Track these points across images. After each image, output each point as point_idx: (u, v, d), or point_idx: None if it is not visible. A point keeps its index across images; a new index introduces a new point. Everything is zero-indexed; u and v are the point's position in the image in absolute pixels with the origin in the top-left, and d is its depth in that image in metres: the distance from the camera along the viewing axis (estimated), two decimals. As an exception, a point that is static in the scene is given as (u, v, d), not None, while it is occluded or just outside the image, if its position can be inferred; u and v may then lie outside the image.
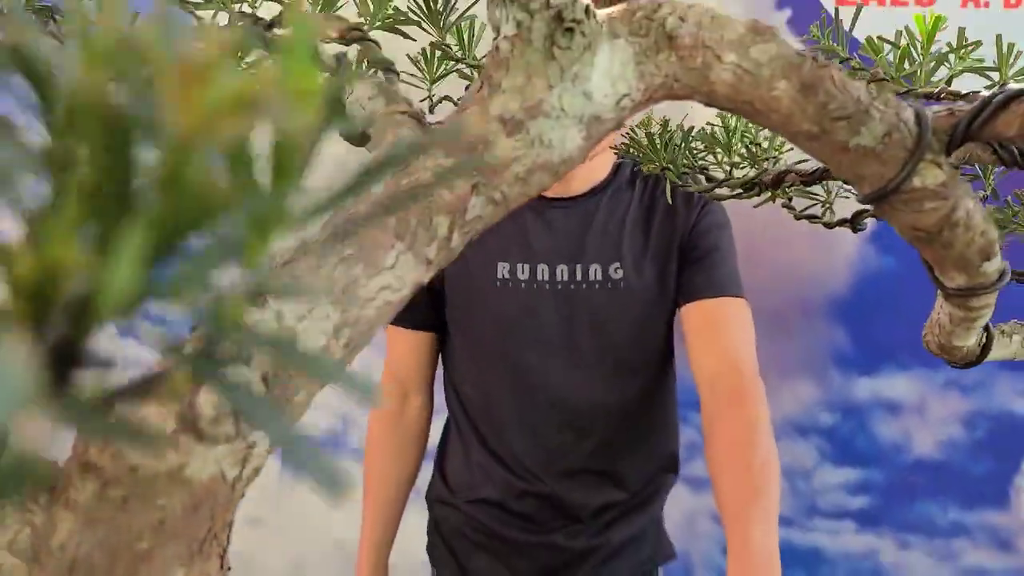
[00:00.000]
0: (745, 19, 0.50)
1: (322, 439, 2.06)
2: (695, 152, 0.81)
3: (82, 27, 0.13)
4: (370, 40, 0.58)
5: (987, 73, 0.74)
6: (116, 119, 0.12)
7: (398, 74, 0.60)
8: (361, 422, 1.50)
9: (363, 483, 1.46)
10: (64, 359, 0.14)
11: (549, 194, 1.28)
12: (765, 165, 0.78)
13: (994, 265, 0.54)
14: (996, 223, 0.73)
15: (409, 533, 1.48)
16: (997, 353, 0.69)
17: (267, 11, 0.65)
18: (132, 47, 0.13)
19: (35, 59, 0.13)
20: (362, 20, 0.68)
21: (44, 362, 0.13)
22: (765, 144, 0.77)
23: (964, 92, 0.68)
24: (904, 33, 0.73)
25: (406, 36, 0.71)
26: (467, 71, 0.76)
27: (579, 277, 1.29)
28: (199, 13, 0.61)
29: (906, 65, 0.74)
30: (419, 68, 0.77)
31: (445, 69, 0.75)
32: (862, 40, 1.75)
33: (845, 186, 0.72)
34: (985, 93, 0.63)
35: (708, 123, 0.79)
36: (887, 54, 0.72)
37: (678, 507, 1.94)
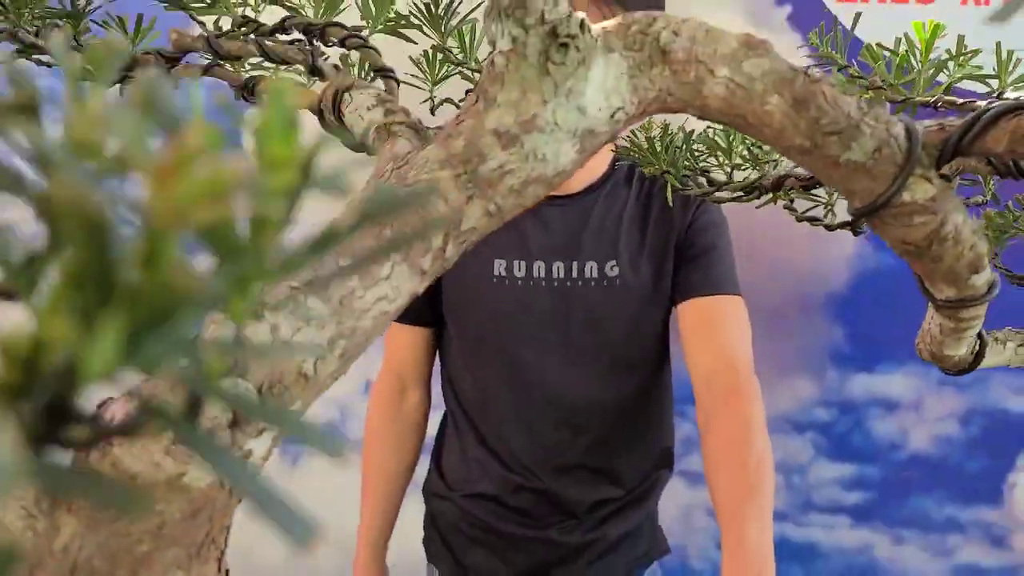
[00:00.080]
0: (739, 33, 0.51)
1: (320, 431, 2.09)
2: (696, 154, 0.82)
3: (69, 129, 0.14)
4: (370, 47, 0.59)
5: (986, 80, 0.74)
6: (96, 216, 0.13)
7: (398, 82, 0.60)
8: (360, 413, 1.50)
9: (361, 474, 1.47)
10: (53, 414, 0.15)
11: (546, 191, 1.28)
12: (766, 168, 0.78)
13: (983, 278, 0.54)
14: (997, 227, 0.74)
15: (407, 525, 1.49)
16: (990, 360, 0.70)
17: (269, 15, 0.65)
18: (110, 144, 0.14)
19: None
20: (364, 23, 0.69)
21: (31, 424, 0.14)
22: (767, 146, 0.78)
23: (961, 101, 0.68)
24: (903, 40, 0.73)
25: (408, 39, 0.72)
26: (469, 73, 0.76)
27: (575, 274, 1.29)
28: (201, 18, 0.62)
29: (905, 72, 0.74)
30: (421, 70, 0.77)
31: (446, 72, 0.76)
32: (864, 40, 1.75)
33: (846, 189, 0.73)
34: (981, 103, 0.64)
35: (709, 126, 0.79)
36: (886, 60, 0.72)
37: (674, 501, 1.96)
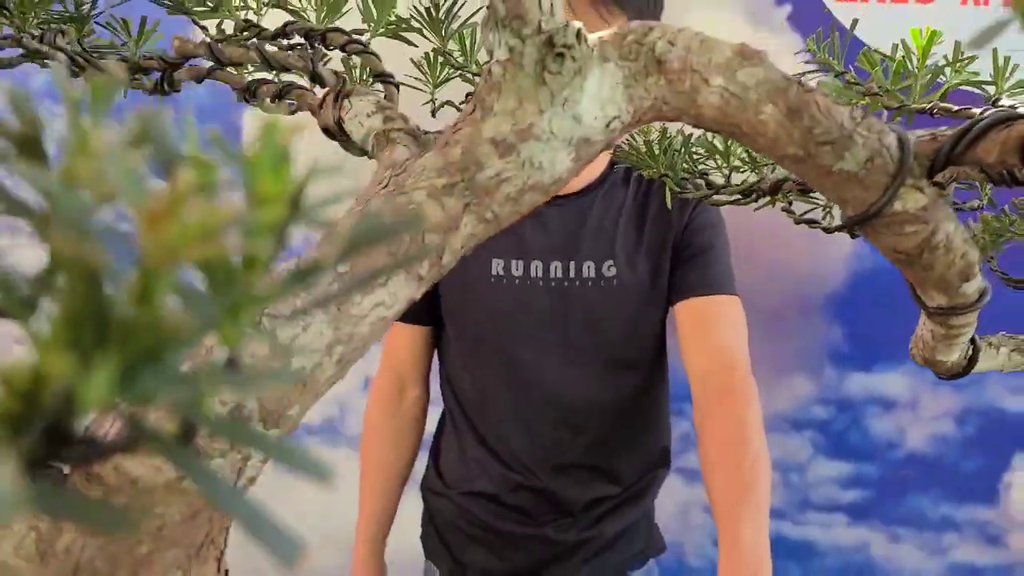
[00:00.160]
0: (733, 43, 0.51)
1: (320, 427, 2.09)
2: (695, 157, 0.82)
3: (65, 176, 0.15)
4: (370, 52, 0.59)
5: (983, 87, 0.75)
6: (92, 265, 0.14)
7: (398, 86, 0.61)
8: (359, 409, 1.51)
9: (360, 470, 1.48)
10: (52, 436, 0.16)
11: (545, 191, 1.28)
12: (764, 171, 0.78)
13: (974, 286, 0.55)
14: (993, 231, 0.75)
15: (405, 522, 1.49)
16: (984, 365, 0.70)
17: (271, 19, 0.66)
18: (106, 188, 0.15)
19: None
20: (365, 26, 0.69)
21: (31, 448, 0.15)
22: (764, 150, 0.78)
23: (956, 108, 0.69)
24: (900, 46, 0.73)
25: (409, 43, 0.73)
26: (470, 76, 0.77)
27: (572, 274, 1.30)
28: (204, 22, 0.62)
29: (903, 77, 0.74)
30: (422, 72, 0.78)
31: (447, 75, 0.76)
32: (863, 40, 1.75)
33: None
34: (976, 110, 0.65)
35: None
36: (883, 66, 0.73)
37: (672, 498, 1.96)
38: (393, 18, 0.70)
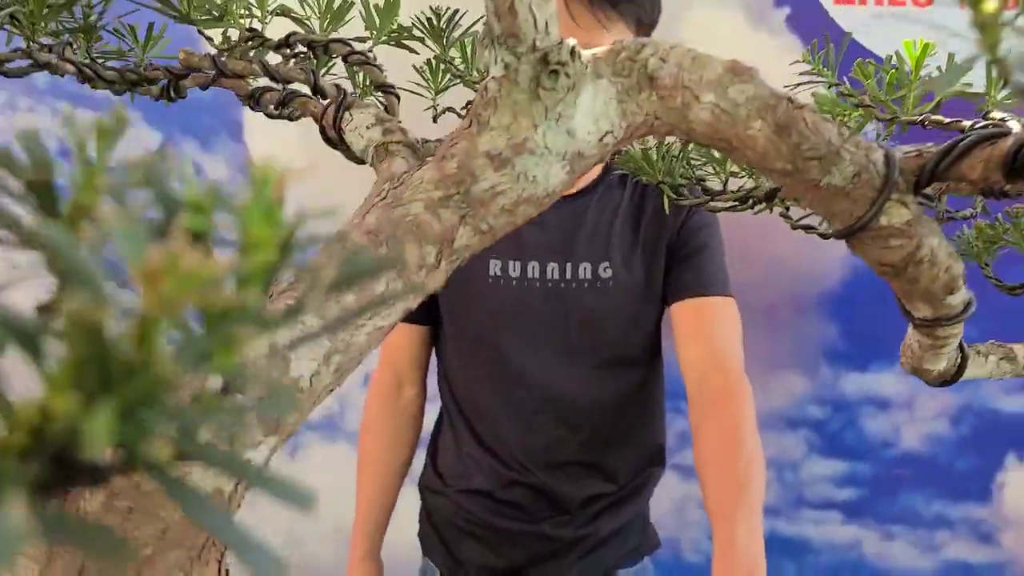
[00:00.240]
0: (725, 59, 0.52)
1: (319, 422, 2.10)
2: (692, 163, 0.83)
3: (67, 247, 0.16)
4: (372, 64, 0.60)
5: (976, 98, 0.75)
6: (98, 324, 0.15)
7: (399, 97, 0.62)
8: (359, 405, 1.52)
9: (357, 467, 1.48)
10: (57, 465, 0.17)
11: (542, 193, 1.28)
12: (761, 177, 0.79)
13: (958, 298, 0.56)
14: (987, 238, 0.76)
15: (402, 518, 1.50)
16: (972, 373, 0.71)
17: (275, 28, 0.67)
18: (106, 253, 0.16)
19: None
20: (368, 33, 0.71)
21: (37, 477, 0.17)
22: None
23: (947, 120, 0.70)
24: (894, 57, 0.74)
25: (411, 50, 0.74)
26: (471, 83, 0.78)
27: (569, 275, 1.30)
28: (209, 35, 0.63)
29: (896, 88, 0.75)
30: (424, 79, 0.79)
31: (448, 82, 0.77)
32: (862, 41, 1.75)
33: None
34: (967, 122, 0.66)
35: (705, 135, 0.80)
36: (877, 78, 0.74)
37: (668, 495, 1.97)
38: (395, 26, 0.71)
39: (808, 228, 0.82)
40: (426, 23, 0.72)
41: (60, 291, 0.22)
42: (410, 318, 1.39)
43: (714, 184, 0.82)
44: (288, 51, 0.64)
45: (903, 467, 2.03)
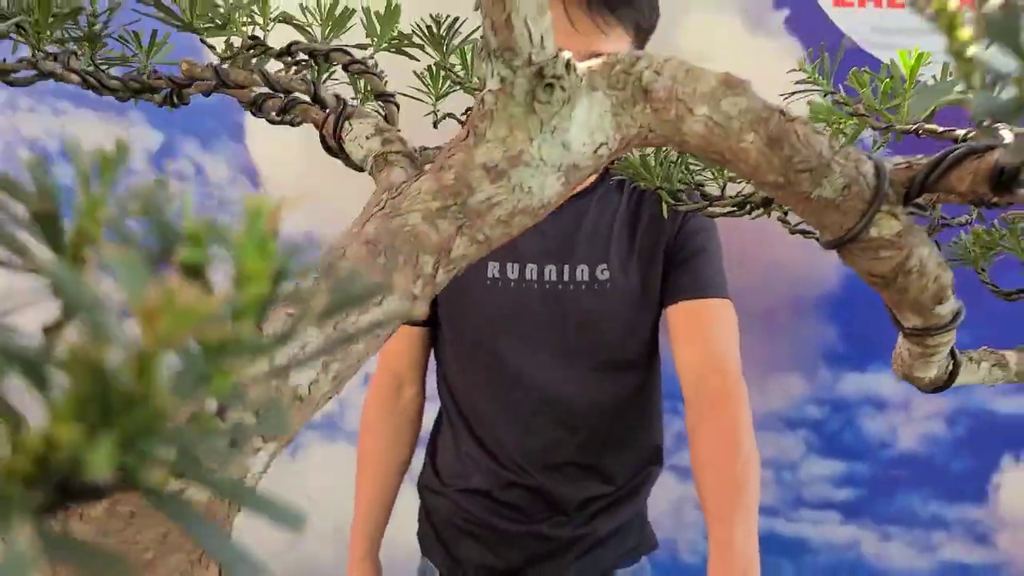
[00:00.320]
0: (719, 72, 0.53)
1: (319, 422, 2.11)
2: (691, 168, 0.84)
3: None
4: (372, 72, 0.61)
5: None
6: (96, 360, 0.16)
7: (398, 105, 0.63)
8: (358, 405, 1.52)
9: (357, 467, 1.49)
10: (62, 489, 0.18)
11: (540, 195, 1.29)
12: (759, 184, 0.80)
13: (947, 308, 0.57)
14: (984, 244, 0.76)
15: (401, 517, 1.51)
16: (964, 379, 0.72)
17: (276, 36, 0.68)
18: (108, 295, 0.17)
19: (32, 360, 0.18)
20: (369, 40, 0.72)
21: (42, 500, 0.18)
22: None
23: (941, 129, 0.70)
24: (889, 66, 0.75)
25: (411, 57, 0.75)
26: (471, 89, 0.79)
27: (567, 277, 1.31)
28: (211, 41, 0.64)
29: (891, 97, 0.76)
30: (424, 84, 0.80)
31: (448, 88, 0.78)
32: (860, 43, 1.75)
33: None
34: (959, 132, 0.66)
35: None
36: (872, 87, 0.74)
37: (665, 496, 1.98)
38: (396, 33, 0.72)
39: (806, 233, 0.83)
40: (426, 31, 0.73)
41: (64, 314, 0.23)
42: (409, 320, 1.40)
43: (712, 189, 0.83)
44: (290, 59, 0.65)
45: (900, 468, 2.03)
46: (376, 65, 0.72)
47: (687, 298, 1.30)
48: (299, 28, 0.68)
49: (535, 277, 1.31)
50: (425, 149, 0.70)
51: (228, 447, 0.20)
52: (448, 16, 0.73)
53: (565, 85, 0.50)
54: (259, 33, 0.68)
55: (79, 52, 0.58)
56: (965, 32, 0.29)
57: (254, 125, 2.03)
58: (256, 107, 0.67)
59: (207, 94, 0.67)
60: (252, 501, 0.20)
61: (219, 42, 0.69)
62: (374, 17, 0.71)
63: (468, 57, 0.77)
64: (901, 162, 0.55)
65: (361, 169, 0.60)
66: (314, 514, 2.11)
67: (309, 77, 0.61)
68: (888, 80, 0.74)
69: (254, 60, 0.65)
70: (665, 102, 0.52)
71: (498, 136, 0.50)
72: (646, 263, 1.32)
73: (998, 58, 0.26)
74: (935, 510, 2.04)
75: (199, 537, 0.19)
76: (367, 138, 0.56)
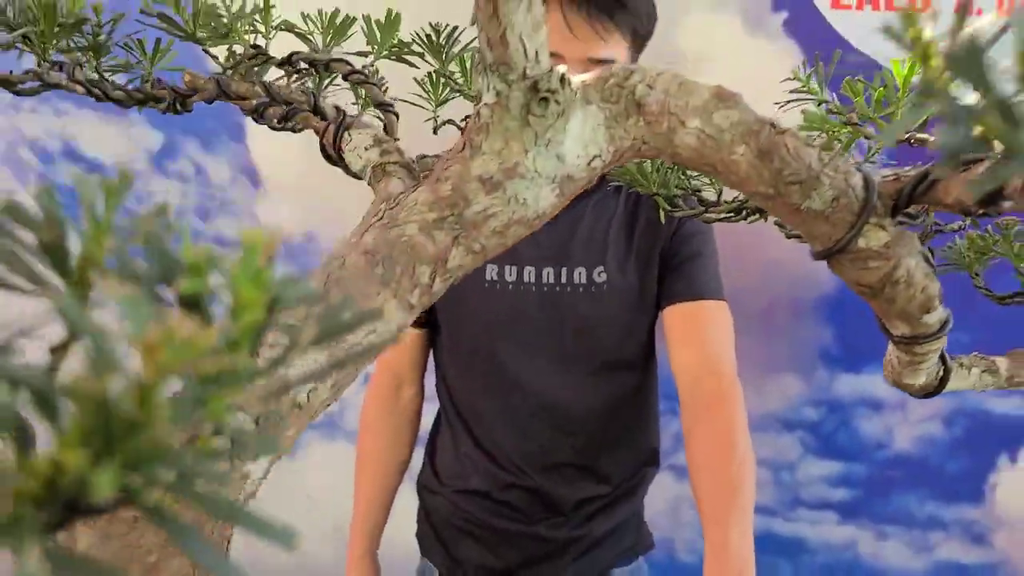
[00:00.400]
0: (711, 85, 0.54)
1: (319, 421, 2.11)
2: (688, 174, 0.84)
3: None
4: (371, 83, 0.62)
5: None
6: (100, 393, 0.18)
7: (397, 115, 0.64)
8: (357, 404, 1.53)
9: (356, 468, 1.49)
10: (69, 507, 0.20)
11: (539, 198, 1.30)
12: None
13: (935, 317, 0.57)
14: (978, 249, 0.77)
15: (399, 517, 1.51)
16: (955, 385, 0.73)
17: (278, 45, 0.69)
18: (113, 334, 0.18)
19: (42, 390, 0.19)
20: (369, 48, 0.73)
21: (50, 519, 0.19)
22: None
23: (933, 139, 0.71)
24: (883, 76, 0.75)
25: (412, 65, 0.76)
26: (470, 96, 0.80)
27: (564, 280, 1.32)
28: (214, 51, 0.65)
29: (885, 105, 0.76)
30: (425, 90, 0.80)
31: (448, 95, 0.79)
32: (857, 45, 1.75)
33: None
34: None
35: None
36: (865, 96, 0.75)
37: (663, 495, 1.99)
38: (396, 41, 0.73)
39: (802, 238, 0.84)
40: (425, 39, 0.74)
41: (70, 336, 0.25)
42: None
43: (709, 195, 0.84)
44: (291, 68, 0.66)
45: (897, 468, 2.04)
46: (377, 72, 0.73)
47: (683, 300, 1.31)
48: (301, 37, 0.69)
49: (533, 280, 1.32)
50: (424, 157, 0.71)
51: (223, 470, 0.22)
52: (447, 25, 0.74)
53: (560, 99, 0.51)
54: (261, 41, 0.69)
55: (84, 62, 0.59)
56: (938, 62, 0.30)
57: (254, 125, 2.02)
58: (258, 115, 0.68)
59: (209, 101, 0.68)
60: (246, 521, 0.21)
61: (222, 50, 0.70)
62: (375, 25, 0.72)
63: (467, 65, 0.78)
64: (889, 174, 0.56)
65: (360, 178, 0.61)
66: (314, 513, 2.12)
67: (310, 88, 0.62)
68: (882, 89, 0.74)
69: (256, 69, 0.66)
70: (658, 115, 0.53)
71: (494, 149, 0.51)
72: (643, 266, 1.33)
73: (965, 91, 0.27)
74: (932, 510, 2.05)
75: (195, 553, 0.20)
76: (366, 149, 0.57)
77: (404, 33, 0.74)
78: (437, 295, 0.53)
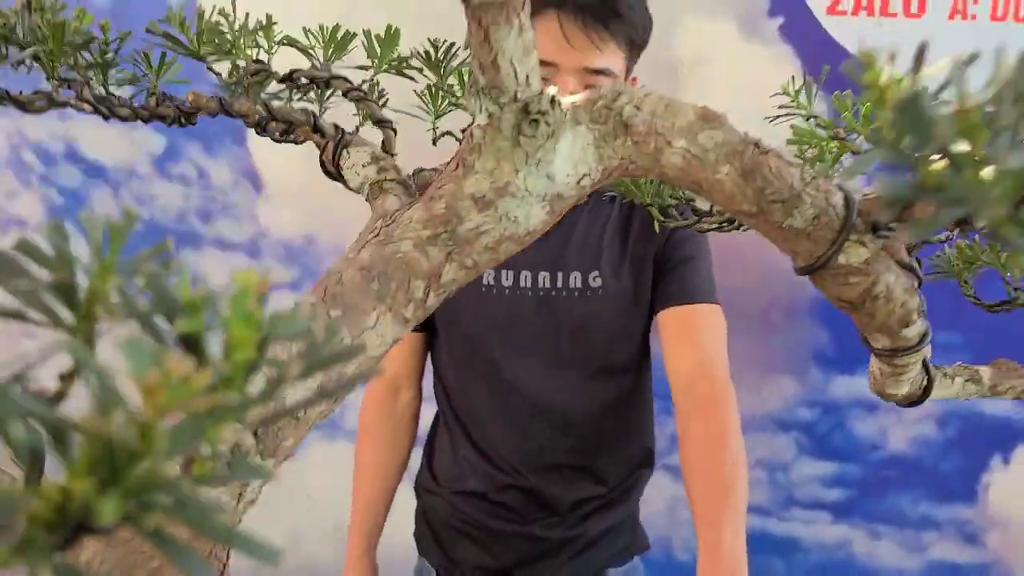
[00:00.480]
0: (696, 106, 0.55)
1: (319, 423, 2.12)
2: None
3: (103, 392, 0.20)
4: (370, 100, 0.64)
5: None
6: (105, 431, 0.20)
7: (395, 131, 0.66)
8: (357, 404, 1.54)
9: (354, 471, 1.50)
10: (76, 529, 0.22)
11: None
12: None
13: (914, 330, 0.59)
14: (967, 258, 0.79)
15: (399, 517, 1.52)
16: (938, 393, 0.74)
17: (280, 59, 0.70)
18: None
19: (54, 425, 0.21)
20: (370, 62, 0.74)
21: (59, 540, 0.21)
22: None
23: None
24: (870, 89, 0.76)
25: (411, 79, 0.77)
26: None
27: (560, 284, 1.33)
28: (217, 67, 0.67)
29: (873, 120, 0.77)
30: (424, 102, 0.82)
31: (447, 108, 0.81)
32: (853, 50, 1.76)
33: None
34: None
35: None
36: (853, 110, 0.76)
37: (659, 495, 2.01)
38: (396, 56, 0.75)
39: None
40: (424, 55, 0.75)
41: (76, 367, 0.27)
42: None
43: (703, 204, 0.85)
44: (292, 84, 0.67)
45: (891, 468, 2.05)
46: (378, 84, 0.74)
47: (676, 304, 1.33)
48: (303, 51, 0.71)
49: (529, 284, 1.33)
50: (421, 170, 0.73)
51: (215, 497, 0.24)
52: (445, 41, 0.76)
53: (550, 120, 0.52)
54: (263, 56, 0.70)
55: (91, 78, 0.61)
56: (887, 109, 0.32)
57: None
58: (261, 128, 0.70)
59: (213, 115, 0.70)
60: (236, 542, 0.23)
61: (225, 65, 0.71)
62: (375, 40, 0.74)
63: (466, 79, 0.79)
64: (869, 192, 0.58)
65: (359, 193, 0.63)
66: (314, 513, 2.14)
67: (310, 108, 0.63)
68: (868, 105, 0.75)
69: (258, 84, 0.68)
70: (645, 135, 0.54)
71: (486, 168, 0.53)
72: (637, 270, 1.35)
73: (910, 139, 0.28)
74: (925, 510, 2.06)
75: (190, 571, 0.23)
76: (363, 166, 0.59)
77: (404, 47, 0.76)
78: (431, 309, 0.55)
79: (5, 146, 2.13)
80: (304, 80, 0.68)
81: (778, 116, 0.77)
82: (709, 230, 0.85)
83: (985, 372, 0.76)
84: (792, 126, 0.77)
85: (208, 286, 0.26)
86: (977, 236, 0.78)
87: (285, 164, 2.00)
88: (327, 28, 0.71)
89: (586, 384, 1.37)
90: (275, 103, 0.63)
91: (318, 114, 0.63)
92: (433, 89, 0.81)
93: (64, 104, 0.58)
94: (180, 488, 0.22)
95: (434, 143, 0.83)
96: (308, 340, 0.26)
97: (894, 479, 2.06)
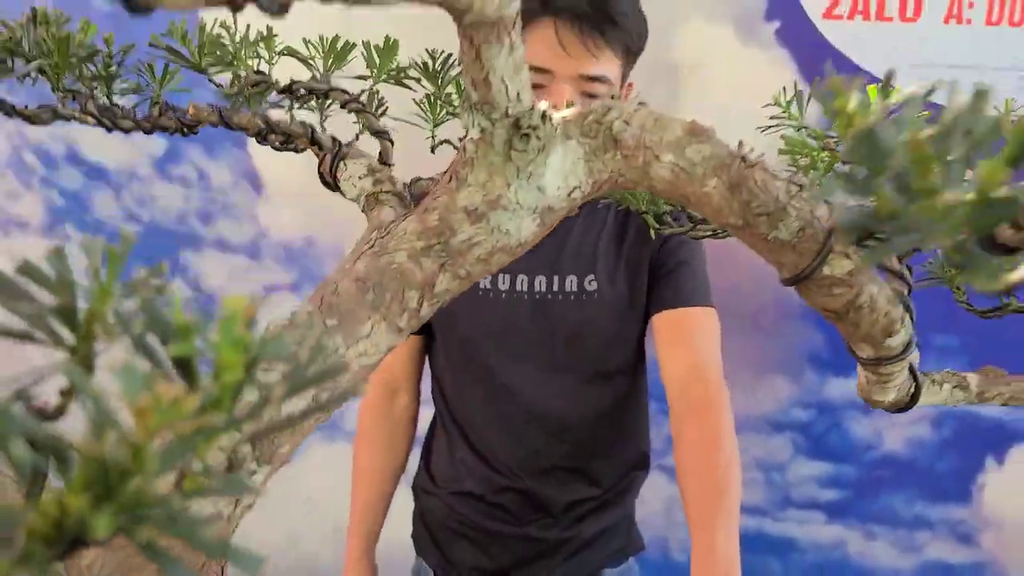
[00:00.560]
0: (685, 121, 0.57)
1: (319, 424, 2.13)
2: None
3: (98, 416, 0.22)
4: (368, 112, 0.65)
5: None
6: (100, 452, 0.21)
7: (392, 142, 0.67)
8: (356, 406, 1.56)
9: (352, 474, 1.51)
10: (73, 542, 0.23)
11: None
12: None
13: (898, 340, 0.60)
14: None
15: (396, 518, 1.53)
16: (926, 400, 0.75)
17: (280, 68, 0.72)
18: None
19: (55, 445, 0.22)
20: (369, 72, 0.76)
21: (57, 552, 0.23)
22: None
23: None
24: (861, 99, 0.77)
25: (409, 88, 0.79)
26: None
27: (556, 288, 1.34)
28: (218, 77, 0.68)
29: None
30: (423, 111, 0.83)
31: (445, 117, 0.82)
32: (851, 57, 1.77)
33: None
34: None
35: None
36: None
37: (656, 496, 2.02)
38: (394, 66, 0.76)
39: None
40: (422, 65, 0.77)
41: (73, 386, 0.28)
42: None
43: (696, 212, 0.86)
44: (292, 95, 0.69)
45: (885, 469, 2.06)
46: (377, 93, 0.76)
47: (670, 308, 1.33)
48: (303, 62, 0.72)
49: (525, 288, 1.34)
50: (418, 180, 0.74)
51: (203, 511, 0.25)
52: (442, 51, 0.77)
53: (540, 135, 0.54)
54: (264, 67, 0.72)
55: (95, 91, 0.62)
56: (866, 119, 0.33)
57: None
58: (261, 137, 0.72)
59: (215, 124, 0.72)
60: (224, 554, 0.24)
61: (226, 75, 0.73)
62: (374, 50, 0.75)
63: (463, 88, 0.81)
64: (854, 204, 0.59)
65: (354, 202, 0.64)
66: (314, 514, 2.15)
67: (308, 121, 0.65)
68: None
69: (259, 94, 0.69)
70: (634, 149, 0.56)
71: (478, 181, 0.54)
72: (632, 274, 1.36)
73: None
74: (920, 510, 2.07)
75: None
76: (360, 178, 0.60)
77: (403, 57, 0.77)
78: (425, 318, 0.56)
79: (6, 148, 2.14)
80: (303, 91, 0.69)
81: (769, 127, 0.78)
82: (704, 237, 0.86)
83: (973, 379, 0.77)
84: (783, 136, 0.78)
85: (201, 304, 0.27)
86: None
87: (285, 166, 2.02)
88: (327, 39, 0.73)
89: (581, 389, 1.38)
90: (274, 114, 0.64)
91: (318, 124, 0.64)
92: (431, 98, 0.82)
93: (69, 117, 0.60)
94: (171, 504, 0.23)
95: (432, 151, 0.84)
96: (293, 363, 0.27)
97: (889, 479, 2.07)
